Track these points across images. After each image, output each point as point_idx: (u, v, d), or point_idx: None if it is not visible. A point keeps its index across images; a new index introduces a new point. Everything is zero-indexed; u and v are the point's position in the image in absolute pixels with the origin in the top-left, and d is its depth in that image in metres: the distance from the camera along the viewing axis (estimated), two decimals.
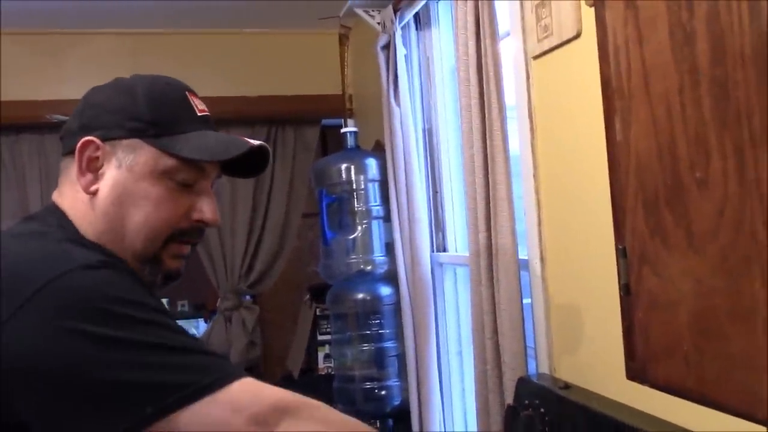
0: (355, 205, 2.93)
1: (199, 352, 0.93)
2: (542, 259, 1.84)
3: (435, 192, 2.73)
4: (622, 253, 0.83)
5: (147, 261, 1.09)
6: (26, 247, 0.99)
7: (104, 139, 1.08)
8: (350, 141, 3.05)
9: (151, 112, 1.09)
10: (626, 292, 0.83)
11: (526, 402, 1.67)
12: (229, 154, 1.09)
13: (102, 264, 0.95)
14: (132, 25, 3.52)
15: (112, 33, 3.50)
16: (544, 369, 1.84)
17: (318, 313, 3.73)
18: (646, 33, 0.77)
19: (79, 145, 1.07)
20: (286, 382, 3.69)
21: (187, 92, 1.14)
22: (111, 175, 1.08)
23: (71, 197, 1.09)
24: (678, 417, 1.31)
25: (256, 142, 1.13)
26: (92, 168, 1.08)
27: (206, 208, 1.11)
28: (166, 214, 1.08)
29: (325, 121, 4.05)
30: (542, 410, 1.61)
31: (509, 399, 1.81)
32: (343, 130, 3.09)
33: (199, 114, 1.13)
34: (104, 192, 1.07)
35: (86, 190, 1.08)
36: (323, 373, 3.64)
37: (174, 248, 1.10)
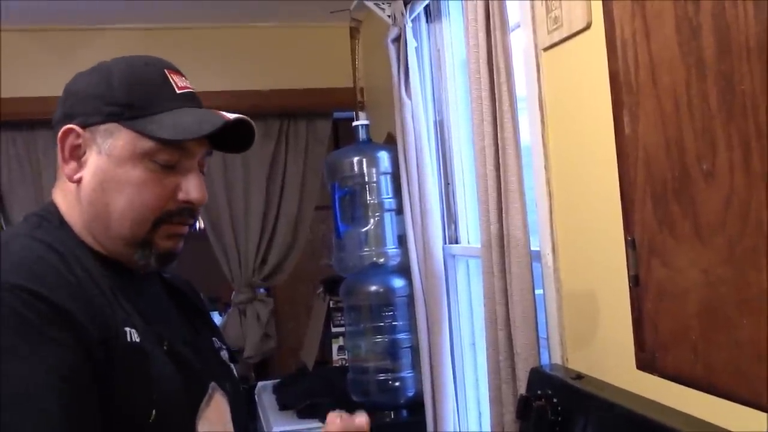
0: (368, 198, 2.94)
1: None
2: (554, 250, 1.85)
3: (447, 184, 2.73)
4: (631, 244, 0.84)
5: (137, 245, 1.07)
6: None
7: (84, 126, 1.07)
8: (362, 134, 3.06)
9: (126, 95, 1.07)
10: (635, 282, 0.84)
11: (539, 392, 1.68)
12: (202, 132, 1.06)
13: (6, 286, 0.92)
14: (142, 21, 3.54)
15: (123, 29, 3.52)
16: (557, 359, 1.85)
17: (331, 306, 3.75)
18: (653, 27, 0.78)
19: (59, 134, 1.08)
20: (301, 374, 3.71)
21: (166, 70, 1.11)
22: (93, 162, 1.07)
23: (62, 189, 1.10)
24: (689, 407, 1.32)
25: (233, 116, 1.09)
26: (75, 156, 1.08)
27: (191, 188, 1.08)
28: (150, 196, 1.06)
29: (336, 114, 4.06)
30: (555, 400, 1.62)
31: (522, 389, 1.82)
32: (354, 123, 3.10)
33: (178, 91, 1.10)
34: (87, 179, 1.07)
35: (71, 178, 1.08)
36: (337, 365, 3.65)
37: (165, 229, 1.08)
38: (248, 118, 1.12)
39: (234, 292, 3.99)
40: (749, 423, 0.99)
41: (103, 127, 1.07)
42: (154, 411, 0.99)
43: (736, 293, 0.68)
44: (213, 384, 1.12)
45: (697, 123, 0.72)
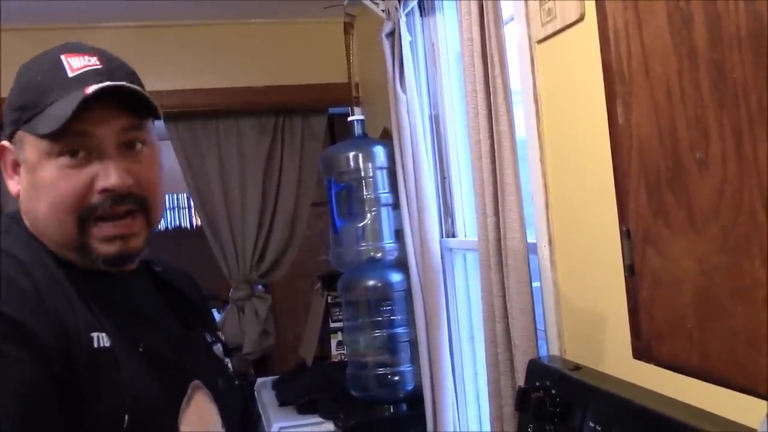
0: (364, 193, 2.94)
1: None
2: (550, 243, 1.86)
3: (443, 178, 2.74)
4: (625, 234, 0.84)
5: (74, 249, 1.03)
6: None
7: (9, 140, 1.06)
8: (358, 129, 3.06)
9: (20, 97, 1.04)
10: (630, 272, 0.84)
11: (537, 384, 1.69)
12: (65, 117, 0.97)
13: None
14: (138, 19, 3.54)
15: (114, 27, 3.51)
16: (555, 351, 1.86)
17: (329, 301, 3.76)
18: (645, 17, 0.78)
19: None
20: (300, 370, 3.72)
21: (63, 54, 1.04)
22: (21, 173, 1.05)
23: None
24: (687, 395, 1.32)
25: (94, 88, 0.99)
26: (17, 171, 1.06)
27: (107, 173, 1.01)
28: (63, 194, 1.01)
29: (332, 110, 4.06)
30: (553, 391, 1.63)
31: (520, 381, 1.83)
32: (350, 119, 3.10)
33: (71, 74, 1.02)
34: (21, 193, 1.06)
35: (14, 194, 1.07)
36: (336, 360, 3.66)
37: (97, 231, 1.02)
38: (117, 83, 1.02)
39: (232, 289, 3.99)
40: (745, 410, 1.00)
41: (16, 137, 1.05)
42: (126, 416, 0.96)
43: (730, 281, 0.69)
44: (194, 383, 1.09)
45: (689, 112, 0.73)
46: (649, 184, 0.80)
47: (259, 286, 4.03)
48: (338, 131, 4.49)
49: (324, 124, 4.06)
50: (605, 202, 1.58)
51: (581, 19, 1.63)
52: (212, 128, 3.86)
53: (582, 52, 1.64)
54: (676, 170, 0.75)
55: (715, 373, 0.72)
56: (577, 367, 1.68)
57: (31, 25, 3.35)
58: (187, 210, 7.42)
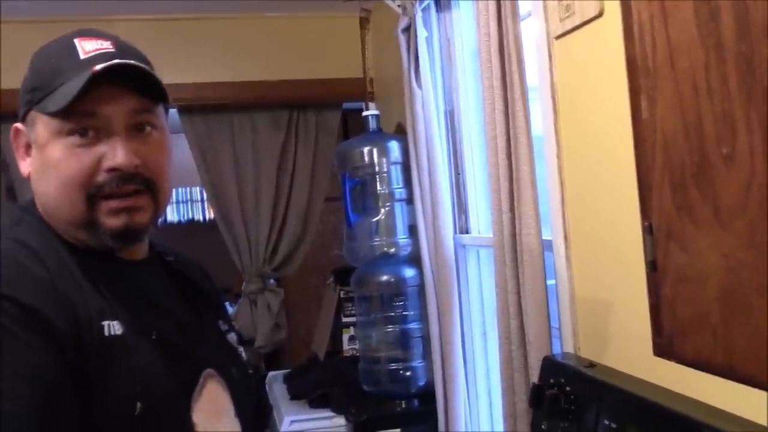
0: (378, 188, 2.94)
1: None
2: (566, 239, 1.85)
3: (457, 174, 2.73)
4: (648, 229, 0.84)
5: (83, 226, 1.04)
6: None
7: (22, 122, 1.07)
8: (372, 124, 3.05)
9: (32, 79, 1.06)
10: (652, 268, 0.83)
11: (552, 381, 1.68)
12: (72, 94, 0.99)
13: None
14: (149, 11, 3.54)
15: (129, 20, 3.52)
16: (569, 348, 1.85)
17: (342, 296, 3.75)
18: (670, 10, 0.78)
19: (11, 135, 1.09)
20: (312, 364, 3.72)
21: (77, 38, 1.06)
22: (32, 154, 1.07)
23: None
24: (704, 395, 1.31)
25: (102, 65, 1.01)
26: (29, 152, 1.08)
27: (114, 153, 1.02)
28: (72, 172, 1.02)
29: (345, 105, 4.06)
30: (568, 389, 1.62)
31: (534, 378, 1.82)
32: (365, 113, 3.09)
33: (83, 56, 1.03)
34: (31, 173, 1.08)
35: (24, 175, 1.08)
36: (348, 355, 3.66)
37: (105, 205, 1.03)
38: (125, 61, 1.03)
39: (244, 283, 4.00)
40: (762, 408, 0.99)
41: (28, 118, 1.06)
42: (139, 403, 0.97)
43: (757, 277, 0.68)
44: (207, 372, 1.09)
45: (716, 106, 0.72)
46: (673, 179, 0.79)
47: (272, 280, 4.03)
48: (351, 127, 4.48)
49: (338, 119, 4.05)
50: (622, 199, 1.58)
51: (600, 15, 1.62)
52: (226, 122, 3.87)
53: (601, 49, 1.63)
54: (701, 165, 0.74)
55: (739, 371, 0.72)
56: (592, 365, 1.67)
57: (47, 17, 3.36)
58: (200, 203, 7.43)
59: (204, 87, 3.64)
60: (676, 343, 0.80)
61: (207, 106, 3.77)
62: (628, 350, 1.62)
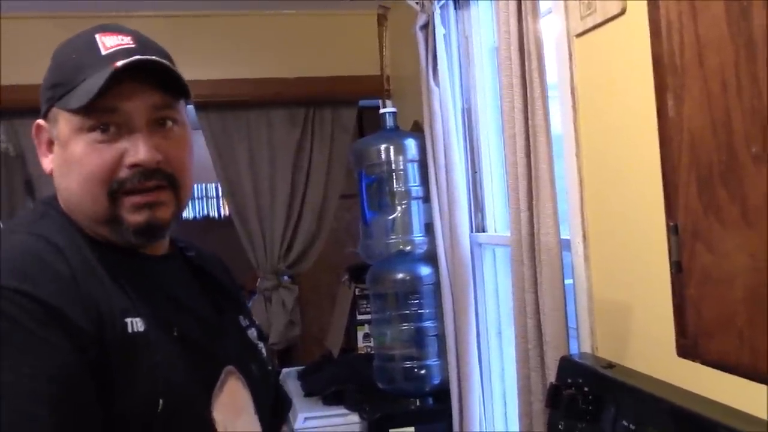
0: (395, 186, 2.94)
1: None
2: (584, 239, 1.84)
3: (474, 172, 2.72)
4: (673, 230, 0.83)
5: (106, 222, 1.05)
6: None
7: (44, 118, 1.08)
8: (389, 121, 3.05)
9: (54, 75, 1.06)
10: (677, 269, 0.82)
11: (569, 381, 1.67)
12: (93, 92, 0.99)
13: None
14: (168, 8, 3.55)
15: (146, 17, 3.53)
16: (586, 348, 1.84)
17: (357, 293, 3.75)
18: (700, 7, 0.77)
19: (33, 131, 1.09)
20: (326, 361, 3.72)
21: (98, 33, 1.06)
22: (54, 151, 1.07)
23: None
24: (725, 396, 1.30)
25: (123, 62, 1.01)
26: (51, 149, 1.08)
27: (136, 149, 1.02)
28: (94, 168, 1.02)
29: (361, 102, 4.05)
30: (585, 389, 1.61)
31: (551, 378, 1.81)
32: (382, 111, 3.09)
33: (104, 52, 1.03)
34: (54, 170, 1.08)
35: (46, 172, 1.09)
36: (362, 353, 3.66)
37: (128, 201, 1.03)
38: (146, 57, 1.03)
39: (259, 279, 4.00)
40: None
41: (50, 114, 1.07)
42: (161, 400, 0.97)
43: None
44: (227, 368, 1.09)
45: (746, 104, 0.71)
46: (700, 179, 0.78)
47: (286, 277, 4.03)
48: (367, 124, 4.48)
49: (354, 116, 4.05)
50: (642, 198, 1.56)
51: (622, 13, 1.61)
52: (243, 119, 3.87)
53: (622, 47, 1.62)
54: (729, 164, 0.73)
55: (765, 372, 0.71)
56: (611, 365, 1.66)
57: (65, 13, 3.37)
58: (215, 200, 7.45)
59: (221, 84, 3.65)
60: (700, 344, 0.80)
61: (223, 103, 3.78)
62: (647, 351, 1.60)
